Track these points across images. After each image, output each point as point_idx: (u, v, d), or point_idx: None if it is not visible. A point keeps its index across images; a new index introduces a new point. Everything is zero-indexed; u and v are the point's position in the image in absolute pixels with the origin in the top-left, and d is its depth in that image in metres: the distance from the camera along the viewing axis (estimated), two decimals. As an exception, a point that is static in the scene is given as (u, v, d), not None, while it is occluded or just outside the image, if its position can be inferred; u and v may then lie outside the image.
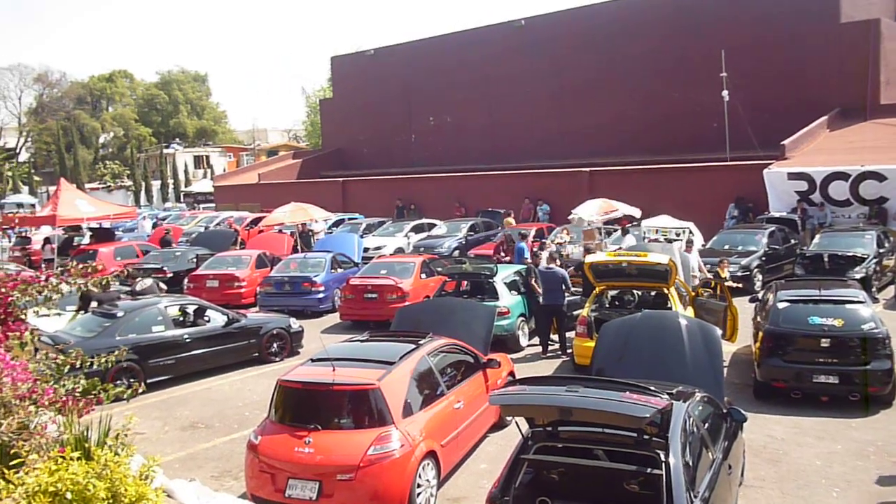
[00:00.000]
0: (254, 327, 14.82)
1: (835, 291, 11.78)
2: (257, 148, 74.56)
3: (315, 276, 19.41)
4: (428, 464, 8.08)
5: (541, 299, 14.70)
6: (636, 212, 22.97)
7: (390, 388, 8.12)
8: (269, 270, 20.67)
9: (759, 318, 12.40)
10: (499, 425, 10.29)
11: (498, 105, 39.59)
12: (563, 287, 14.36)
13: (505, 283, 15.39)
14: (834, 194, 23.43)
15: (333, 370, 8.17)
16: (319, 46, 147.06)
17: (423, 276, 18.21)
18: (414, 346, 9.18)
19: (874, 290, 16.63)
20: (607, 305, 14.03)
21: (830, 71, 29.67)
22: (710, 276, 15.48)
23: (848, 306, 11.19)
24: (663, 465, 5.79)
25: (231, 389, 13.41)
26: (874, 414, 10.63)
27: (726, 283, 13.98)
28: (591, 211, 21.78)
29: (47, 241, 26.47)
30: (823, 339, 10.81)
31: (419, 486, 7.84)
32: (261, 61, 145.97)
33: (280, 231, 26.50)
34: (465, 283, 16.30)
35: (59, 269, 6.60)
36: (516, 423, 6.96)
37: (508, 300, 15.01)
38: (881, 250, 18.65)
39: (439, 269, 18.11)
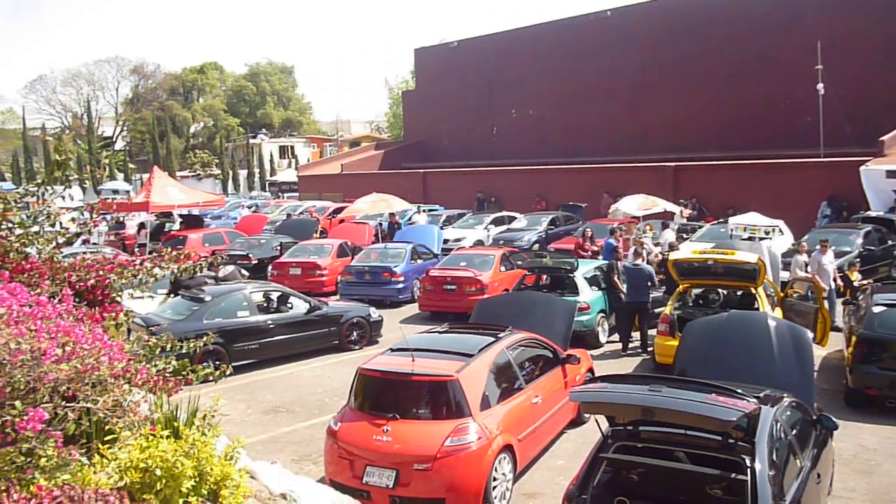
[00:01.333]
0: (334, 315, 15.06)
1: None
2: (340, 139, 75.70)
3: (395, 266, 19.60)
4: (504, 457, 8.05)
5: (623, 296, 14.48)
6: (676, 208, 22.44)
7: (469, 380, 8.12)
8: (350, 260, 20.97)
9: (852, 322, 11.90)
10: (577, 422, 10.19)
11: (580, 98, 39.10)
12: (649, 284, 14.11)
13: (585, 279, 15.21)
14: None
15: (413, 360, 8.22)
16: (404, 38, 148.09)
17: (503, 269, 18.16)
18: (493, 339, 9.16)
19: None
20: (691, 304, 13.71)
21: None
22: (839, 279, 14.92)
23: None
24: (748, 470, 5.62)
25: (311, 375, 13.67)
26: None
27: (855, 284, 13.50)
28: (633, 206, 21.54)
29: (142, 226, 27.53)
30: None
31: (495, 479, 7.83)
32: (346, 53, 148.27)
33: (360, 222, 26.86)
34: (545, 277, 16.18)
35: (153, 253, 6.82)
36: (596, 420, 6.86)
37: (589, 296, 14.83)
38: None
39: (519, 263, 18.02)
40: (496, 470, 7.85)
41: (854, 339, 10.95)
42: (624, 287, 14.61)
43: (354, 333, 15.22)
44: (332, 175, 46.98)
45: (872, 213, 22.30)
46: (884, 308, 10.98)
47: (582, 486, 6.16)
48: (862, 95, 28.90)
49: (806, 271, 15.27)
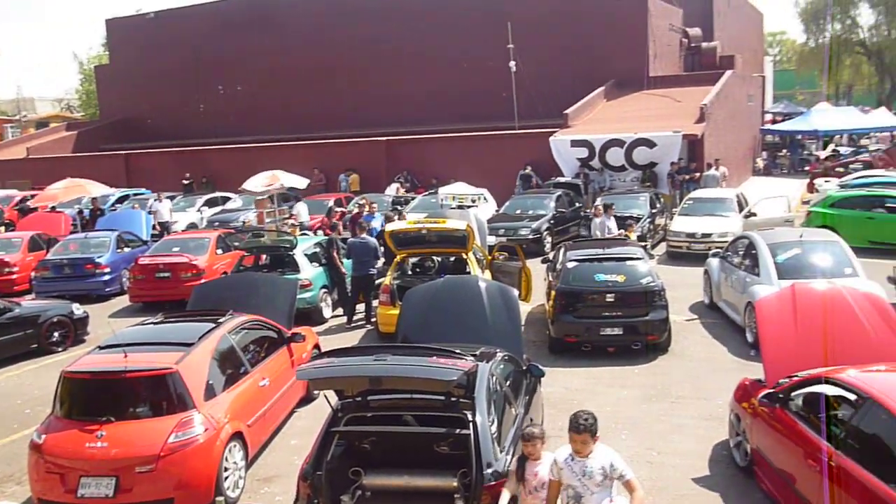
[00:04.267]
0: (30, 316, 13.55)
1: (616, 250, 12.71)
2: (24, 119, 67.74)
3: (99, 256, 18.03)
4: (235, 445, 7.80)
5: (343, 270, 14.65)
6: (301, 182, 23.38)
7: (190, 370, 7.72)
8: (45, 253, 18.93)
9: (550, 278, 13.10)
10: (308, 399, 10.15)
11: (298, 74, 38.40)
12: (375, 257, 14.38)
13: (306, 255, 15.13)
14: (611, 160, 25.19)
15: (125, 356, 7.61)
16: (92, 5, 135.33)
17: (220, 251, 17.49)
18: (213, 325, 8.79)
19: (649, 246, 18.12)
20: (409, 273, 14.21)
21: (608, 45, 31.72)
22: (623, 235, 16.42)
23: (628, 263, 12.11)
24: (471, 424, 5.95)
25: (8, 386, 12.20)
26: (654, 360, 11.62)
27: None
28: (257, 183, 22.21)
29: None
30: (608, 295, 11.64)
31: (226, 469, 7.57)
32: (25, 19, 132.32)
33: (54, 210, 24.31)
34: (265, 257, 15.84)
35: None
36: (325, 395, 6.87)
37: (310, 272, 14.78)
38: (654, 211, 20.38)
39: (237, 244, 17.46)
40: (227, 459, 7.59)
41: (553, 293, 12.07)
42: (347, 262, 14.76)
43: (56, 334, 13.80)
44: (17, 160, 41.86)
45: (562, 179, 24.70)
46: (576, 263, 12.21)
47: (316, 462, 6.14)
48: (550, 71, 31.66)
49: (595, 233, 16.78)
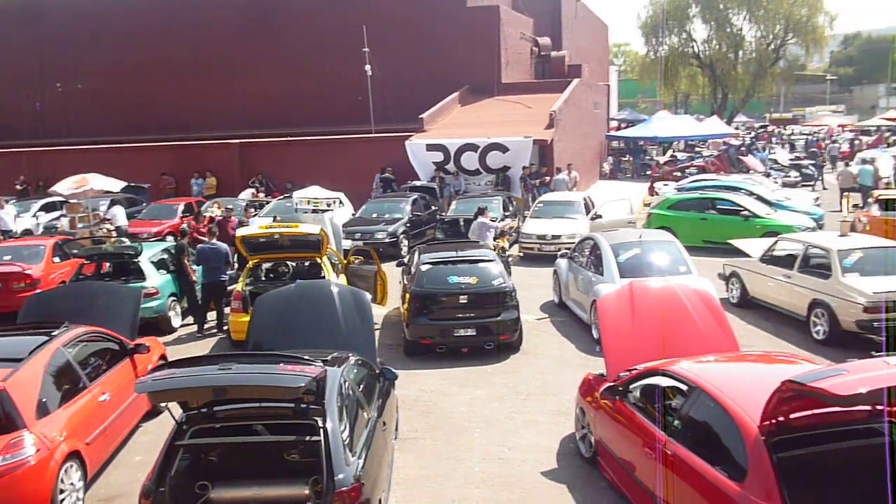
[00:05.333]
0: None
1: (469, 252, 12.94)
2: None
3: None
4: (71, 465, 7.34)
5: (193, 277, 14.13)
6: (115, 185, 22.91)
7: (19, 387, 7.20)
8: None
9: (405, 281, 13.20)
10: (155, 412, 9.71)
11: (147, 73, 36.54)
12: (226, 262, 13.93)
13: (152, 263, 14.47)
14: (466, 164, 25.70)
15: (-59, 376, 7.01)
16: None
17: (57, 259, 16.41)
18: (46, 338, 8.24)
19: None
20: (262, 278, 13.90)
21: (462, 51, 32.33)
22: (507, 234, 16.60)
23: (481, 265, 12.38)
24: (321, 430, 5.89)
25: None
26: (506, 359, 11.93)
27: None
28: (66, 186, 21.73)
29: None
30: (462, 297, 11.86)
31: (62, 491, 7.11)
32: None
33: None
34: (107, 264, 15.01)
35: None
36: (168, 409, 6.59)
37: (157, 280, 14.15)
38: (506, 213, 20.94)
39: (75, 251, 16.44)
40: (62, 481, 7.13)
41: (407, 296, 12.16)
42: (197, 269, 14.24)
43: None
44: None
45: (418, 183, 24.94)
46: (430, 266, 12.36)
47: (159, 478, 5.88)
48: (406, 76, 31.87)
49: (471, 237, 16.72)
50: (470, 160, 25.62)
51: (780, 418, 5.47)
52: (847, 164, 31.38)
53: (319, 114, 32.96)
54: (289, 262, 14.10)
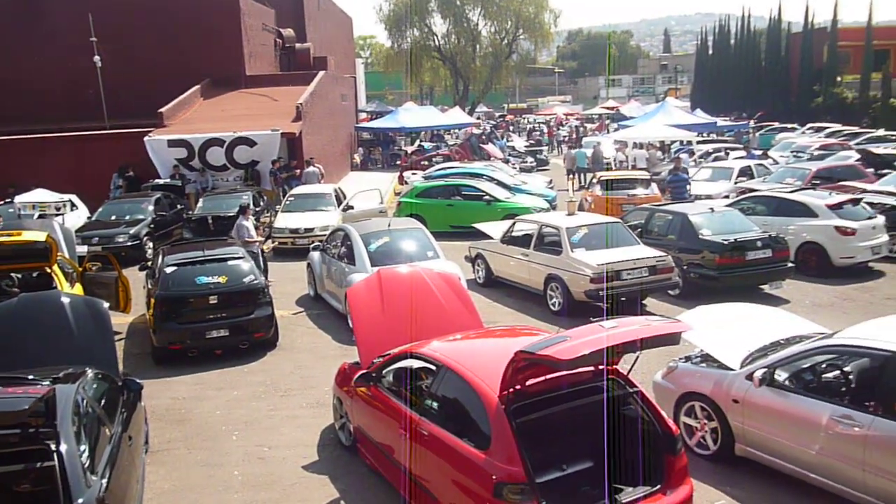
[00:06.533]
0: None
1: (218, 251, 12.51)
2: None
3: None
4: None
5: None
6: None
7: None
8: None
9: (150, 286, 12.50)
10: None
11: None
12: None
13: None
14: (212, 160, 24.70)
15: None
16: None
17: None
18: None
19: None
20: (-18, 295, 12.44)
21: (202, 42, 30.87)
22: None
23: (230, 263, 12.02)
24: (55, 454, 5.42)
25: None
26: (263, 357, 11.75)
27: None
28: None
29: None
30: (212, 297, 11.45)
31: None
32: None
33: None
34: None
35: None
36: None
37: None
38: (258, 209, 20.49)
39: None
40: None
41: (153, 300, 11.52)
42: None
43: None
44: None
45: (161, 181, 23.61)
46: (174, 268, 11.79)
47: None
48: (141, 68, 29.90)
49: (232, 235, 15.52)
50: (216, 155, 24.66)
51: (518, 387, 5.89)
52: (571, 148, 34.40)
53: (41, 109, 29.99)
54: (13, 274, 12.74)
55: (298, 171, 25.11)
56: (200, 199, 21.18)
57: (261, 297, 11.72)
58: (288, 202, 20.73)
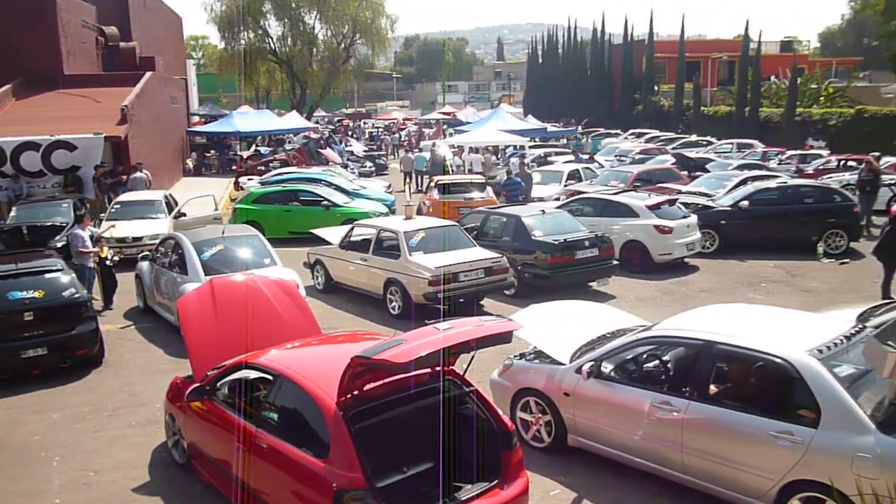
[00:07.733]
0: None
1: (33, 263, 11.60)
2: None
3: None
4: None
5: None
6: None
7: None
8: None
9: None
10: None
11: None
12: None
13: None
14: (26, 165, 22.87)
15: None
16: None
17: None
18: None
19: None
20: None
21: (13, 38, 28.56)
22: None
23: (47, 276, 11.21)
24: None
25: None
26: (88, 375, 11.04)
27: None
28: None
29: None
30: (27, 313, 10.63)
31: None
32: None
33: None
34: None
35: None
36: None
37: None
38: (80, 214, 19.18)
39: None
40: None
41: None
42: None
43: None
44: None
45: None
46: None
47: None
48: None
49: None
50: (31, 160, 22.85)
51: (356, 392, 5.87)
52: (408, 153, 34.79)
53: None
54: None
55: (125, 177, 23.80)
56: (14, 208, 19.59)
57: (83, 311, 11.00)
58: (113, 210, 19.60)
